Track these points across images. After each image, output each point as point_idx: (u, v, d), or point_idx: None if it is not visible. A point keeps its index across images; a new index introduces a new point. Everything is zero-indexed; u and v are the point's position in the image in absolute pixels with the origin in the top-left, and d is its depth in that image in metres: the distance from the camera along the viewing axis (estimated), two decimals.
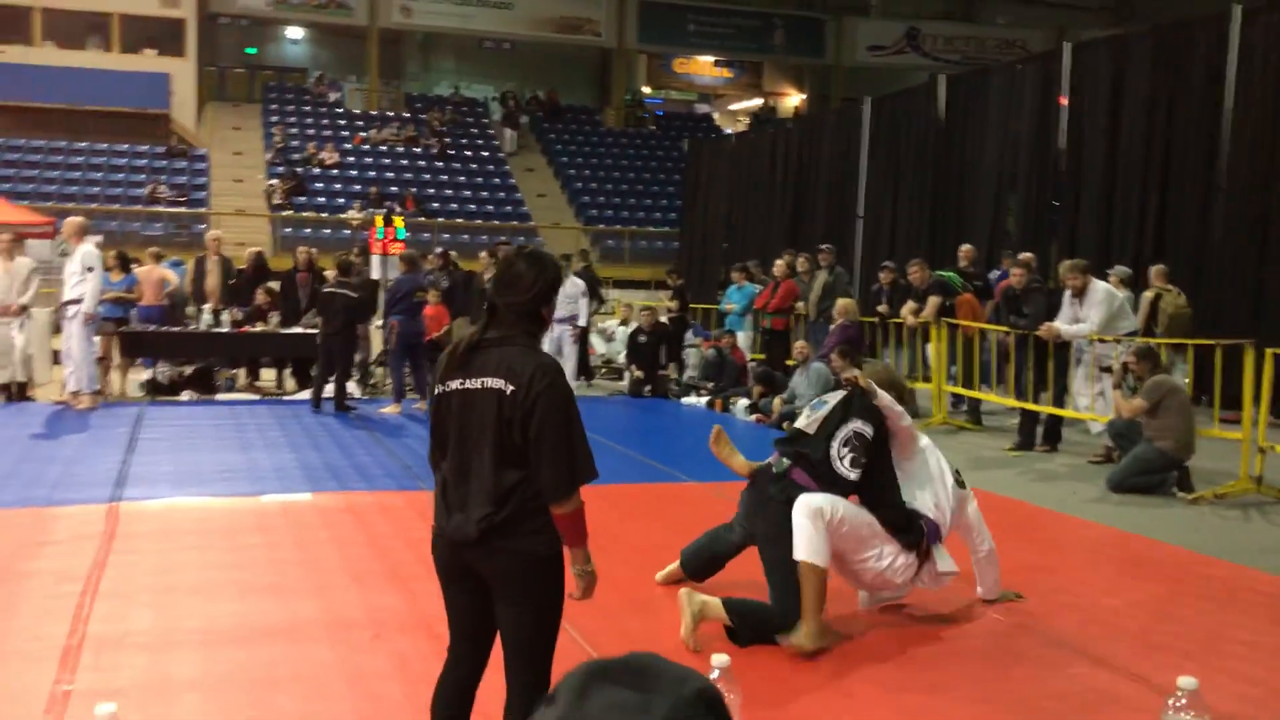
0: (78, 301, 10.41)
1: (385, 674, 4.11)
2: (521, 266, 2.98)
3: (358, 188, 26.00)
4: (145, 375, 12.26)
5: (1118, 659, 4.36)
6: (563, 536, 2.92)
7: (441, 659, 3.14)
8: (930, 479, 4.73)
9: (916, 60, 32.82)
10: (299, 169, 26.06)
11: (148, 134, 27.37)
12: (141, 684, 4.01)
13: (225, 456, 8.45)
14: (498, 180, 28.33)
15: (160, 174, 25.31)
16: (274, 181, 25.38)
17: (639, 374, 13.16)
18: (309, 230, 23.71)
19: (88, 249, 10.59)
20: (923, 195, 16.11)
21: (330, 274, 11.77)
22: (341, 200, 25.55)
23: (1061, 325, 9.10)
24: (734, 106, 37.48)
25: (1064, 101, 13.62)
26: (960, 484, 4.85)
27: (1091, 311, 8.95)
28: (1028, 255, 11.46)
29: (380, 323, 12.46)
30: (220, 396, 12.08)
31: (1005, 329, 10.03)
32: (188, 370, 12.26)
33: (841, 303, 11.56)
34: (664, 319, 14.05)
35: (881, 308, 11.89)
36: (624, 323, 15.67)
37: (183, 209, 24.21)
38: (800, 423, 4.72)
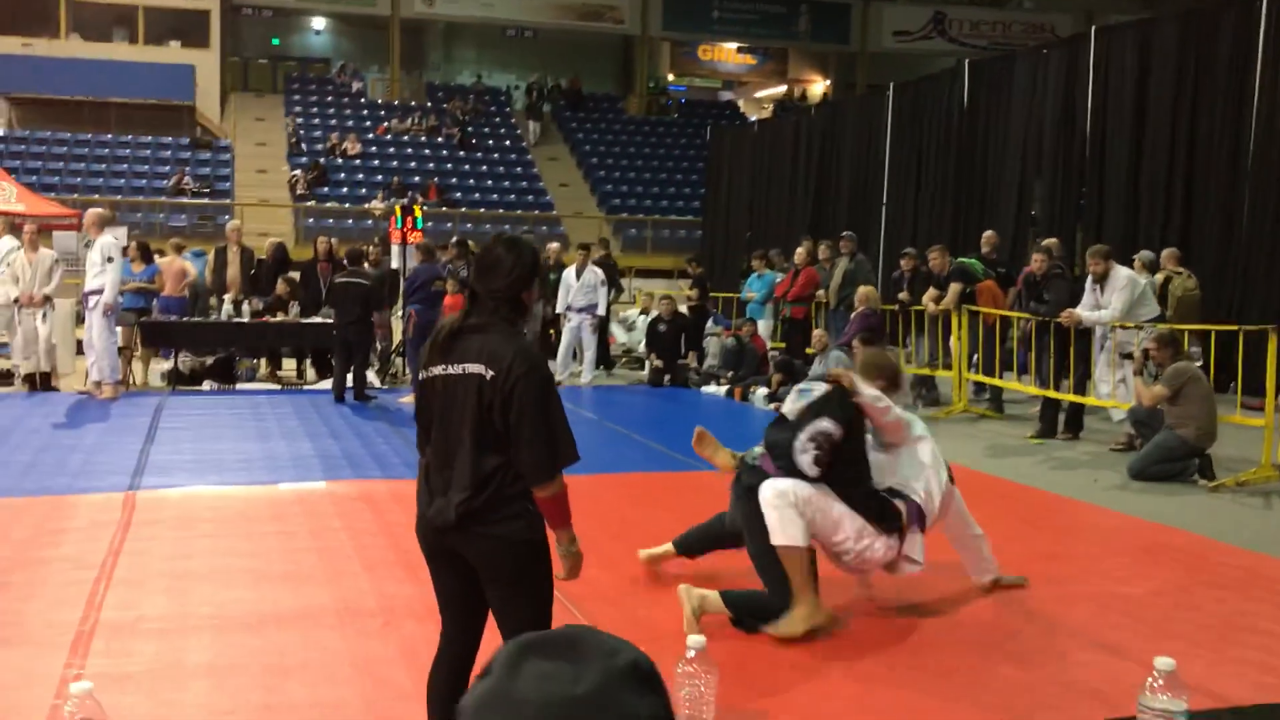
0: (99, 292, 10.49)
1: (393, 660, 4.12)
2: (500, 252, 3.01)
3: (380, 178, 26.09)
4: (167, 365, 12.35)
5: (1131, 648, 4.31)
6: (547, 519, 2.94)
7: None
8: (924, 466, 4.66)
9: (943, 45, 32.54)
10: (322, 159, 26.15)
11: (172, 126, 27.56)
12: (152, 669, 4.03)
13: (244, 445, 8.50)
14: (520, 169, 28.34)
15: (185, 165, 25.46)
16: (297, 172, 25.49)
17: (658, 363, 13.14)
18: (331, 220, 23.80)
19: (108, 240, 10.67)
20: (946, 182, 15.99)
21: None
22: (364, 190, 25.63)
23: (1083, 311, 9.01)
24: (759, 94, 37.31)
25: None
26: (950, 480, 4.79)
27: (1113, 298, 8.86)
28: (1052, 241, 11.38)
29: (401, 312, 12.50)
30: (241, 386, 12.16)
31: (1026, 316, 9.94)
32: (209, 360, 12.34)
33: (862, 290, 11.49)
34: (683, 308, 14.01)
35: (902, 295, 11.81)
36: (644, 312, 15.65)
37: (207, 200, 24.35)
38: (786, 408, 4.69)
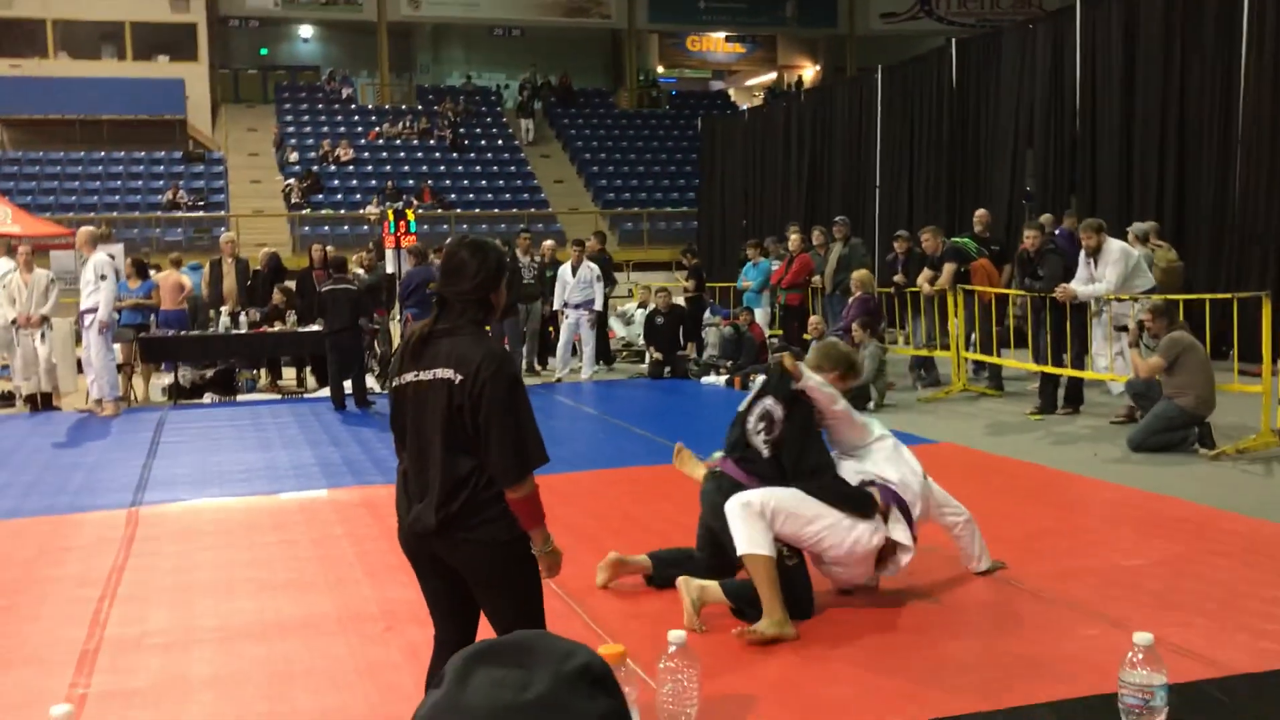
0: (94, 310, 10.52)
1: (397, 664, 4.13)
2: (464, 256, 3.02)
3: (374, 183, 26.11)
4: (167, 380, 12.38)
5: (1134, 619, 4.30)
6: (520, 520, 2.95)
7: None
8: (894, 460, 4.63)
9: (931, 25, 32.48)
10: (315, 167, 26.17)
11: (164, 140, 27.60)
12: (157, 684, 4.05)
13: (245, 456, 8.52)
14: (514, 168, 28.35)
15: (178, 179, 25.50)
16: (291, 181, 25.51)
17: (658, 355, 13.15)
18: (327, 228, 23.83)
19: (101, 258, 10.70)
20: (939, 162, 15.98)
21: (354, 270, 11.86)
22: (358, 196, 25.65)
23: (1078, 286, 9.00)
24: (749, 82, 37.27)
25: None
26: (924, 477, 4.76)
27: (1107, 270, 8.85)
28: (1046, 216, 11.37)
29: (398, 316, 12.52)
30: (242, 397, 12.19)
31: (1022, 293, 9.94)
32: (209, 373, 12.36)
33: (858, 275, 11.50)
34: (680, 299, 14.01)
35: (898, 277, 11.80)
36: (643, 305, 15.65)
37: (202, 213, 24.38)
38: (741, 406, 4.70)
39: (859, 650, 4.16)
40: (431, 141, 28.62)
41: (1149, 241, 10.49)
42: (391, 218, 13.90)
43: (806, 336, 10.83)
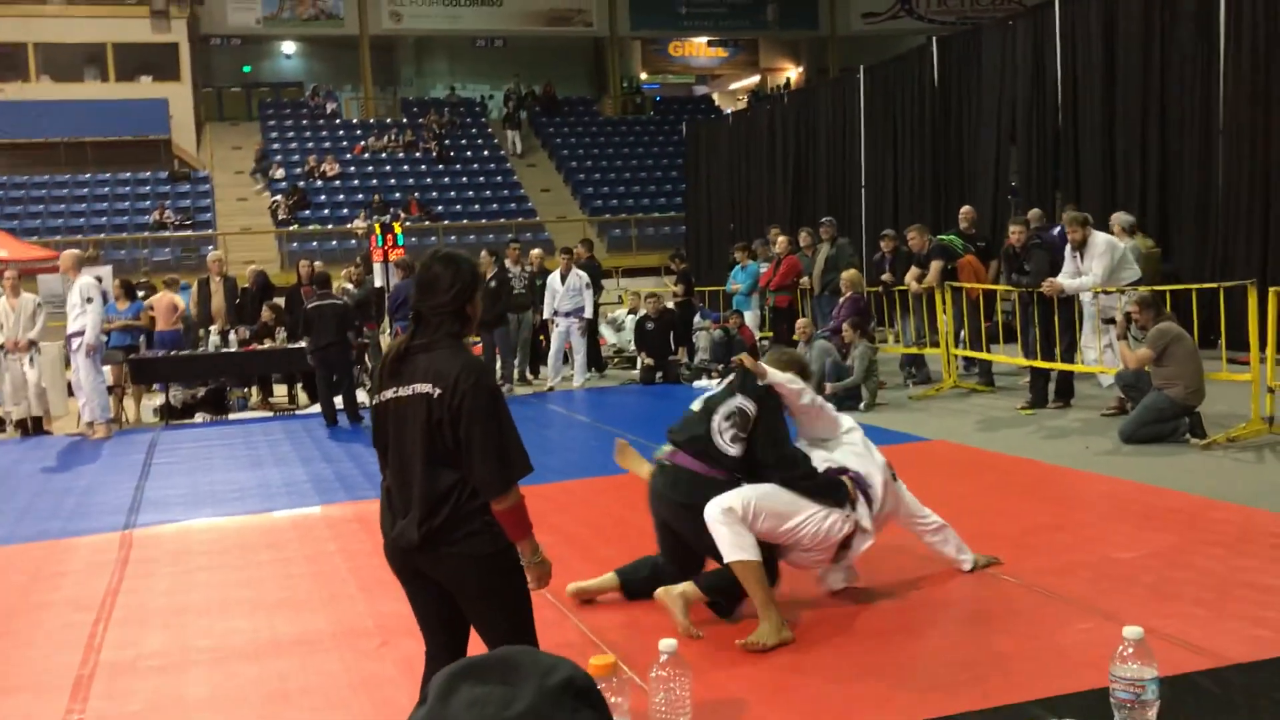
0: (81, 334, 10.49)
1: (392, 679, 4.12)
2: (438, 269, 3.02)
3: (361, 197, 26.10)
4: (159, 400, 12.35)
5: (1128, 612, 4.31)
6: (506, 532, 2.94)
7: None
8: (862, 455, 4.66)
9: (912, 24, 32.59)
10: (301, 183, 26.15)
11: (149, 161, 27.56)
12: (153, 707, 4.04)
13: (238, 475, 8.51)
14: (500, 178, 28.35)
15: (164, 199, 25.46)
16: (278, 197, 25.49)
17: (649, 361, 13.15)
18: (315, 243, 23.81)
19: (86, 281, 10.68)
20: (924, 160, 16.01)
21: (342, 285, 11.84)
22: (345, 211, 25.64)
23: (1064, 280, 9.02)
24: (733, 86, 37.34)
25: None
26: (894, 477, 4.76)
27: (1094, 264, 8.88)
28: (1035, 211, 11.39)
29: (389, 330, 12.52)
30: (233, 416, 12.16)
31: (1009, 288, 9.96)
32: (200, 392, 12.34)
33: (848, 275, 11.52)
34: (670, 304, 14.02)
35: (885, 276, 11.83)
36: (633, 311, 15.66)
37: (189, 232, 24.34)
38: (693, 406, 4.70)
39: (852, 650, 4.16)
40: (417, 154, 28.62)
41: (1134, 233, 10.53)
42: (379, 231, 13.91)
43: (796, 338, 10.83)
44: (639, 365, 13.55)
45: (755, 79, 36.64)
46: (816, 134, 18.82)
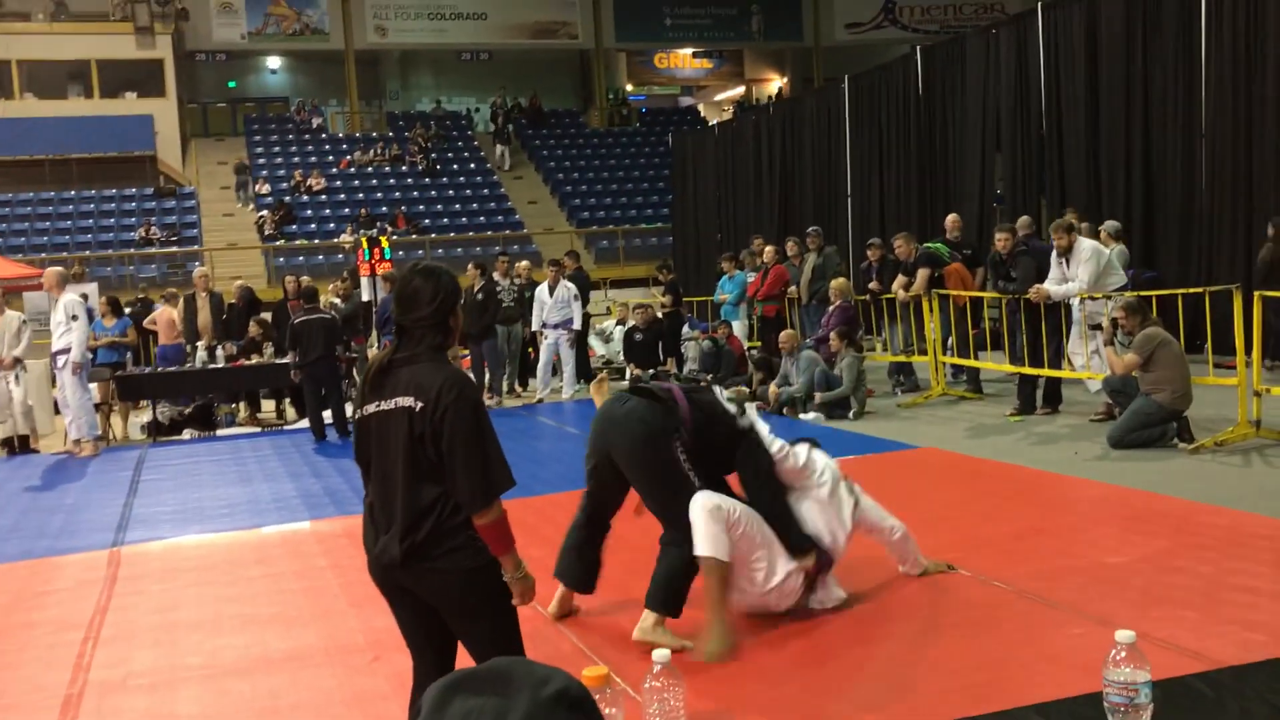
0: (66, 351, 10.44)
1: (385, 694, 4.10)
2: (418, 283, 3.00)
3: (347, 211, 26.07)
4: (146, 417, 12.30)
5: (1119, 616, 4.32)
6: (489, 546, 2.92)
7: None
8: (826, 509, 4.63)
9: (896, 34, 32.75)
10: (287, 198, 26.11)
11: (135, 177, 27.49)
12: None
13: (226, 491, 8.47)
14: (487, 191, 28.35)
15: (150, 215, 25.39)
16: (264, 213, 25.44)
17: (638, 372, 13.14)
18: (302, 258, 23.76)
19: (70, 298, 10.64)
20: (909, 169, 16.08)
21: (330, 299, 11.83)
22: (332, 225, 25.60)
23: (1051, 286, 9.05)
24: (718, 97, 37.45)
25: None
26: (850, 490, 4.77)
27: (1080, 270, 8.91)
28: (1023, 219, 11.42)
29: (377, 344, 12.50)
30: (221, 432, 12.11)
31: (996, 295, 9.99)
32: (188, 409, 12.29)
33: (837, 283, 11.55)
34: (659, 315, 14.01)
35: (873, 285, 11.86)
36: (621, 322, 15.66)
37: (175, 248, 24.28)
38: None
39: (844, 658, 4.16)
40: (404, 167, 28.61)
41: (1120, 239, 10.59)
42: (366, 245, 13.90)
43: (782, 347, 10.84)
44: (628, 376, 13.54)
45: (740, 90, 36.75)
46: (802, 144, 18.88)
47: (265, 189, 26.70)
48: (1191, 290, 8.96)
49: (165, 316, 13.01)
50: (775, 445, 4.58)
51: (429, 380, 2.90)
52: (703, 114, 35.20)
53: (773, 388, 10.71)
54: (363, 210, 25.37)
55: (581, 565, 4.79)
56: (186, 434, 11.99)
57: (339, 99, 31.59)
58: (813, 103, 19.27)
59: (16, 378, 10.89)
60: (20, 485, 9.38)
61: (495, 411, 11.09)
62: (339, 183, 27.61)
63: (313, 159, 28.47)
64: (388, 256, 13.92)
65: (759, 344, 13.25)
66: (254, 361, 12.23)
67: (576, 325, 13.14)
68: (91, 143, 27.31)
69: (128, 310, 13.71)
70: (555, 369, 13.27)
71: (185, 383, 12.15)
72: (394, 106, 32.83)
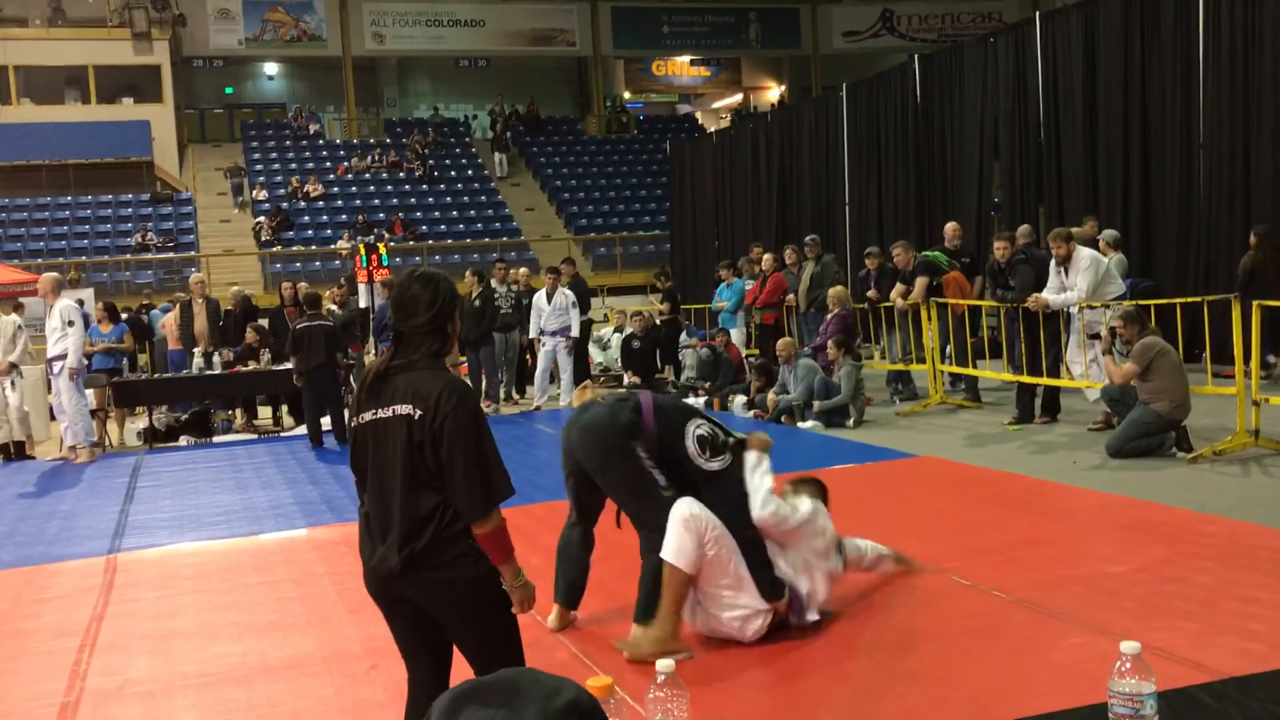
0: (63, 357, 10.42)
1: (382, 703, 4.08)
2: (416, 289, 2.97)
3: (344, 217, 26.06)
4: (142, 424, 12.27)
5: (1119, 626, 4.31)
6: (489, 555, 2.89)
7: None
8: (809, 564, 4.49)
9: (893, 42, 32.84)
10: (284, 204, 26.11)
11: (132, 182, 27.49)
12: None
13: (223, 498, 8.45)
14: (484, 197, 28.37)
15: (147, 221, 25.38)
16: (261, 219, 25.43)
17: (635, 379, 13.14)
18: (299, 264, 23.75)
19: (66, 304, 10.61)
20: (907, 177, 16.08)
21: (327, 306, 11.84)
22: (329, 231, 25.60)
23: (1049, 295, 9.06)
24: (716, 105, 37.50)
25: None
26: (840, 551, 4.66)
27: (1078, 278, 8.91)
28: (1024, 227, 11.44)
29: (374, 351, 12.49)
30: (218, 439, 12.09)
31: (995, 304, 9.99)
32: (184, 415, 12.27)
33: (835, 291, 11.55)
34: (656, 322, 14.02)
35: (871, 293, 11.87)
36: (619, 330, 15.66)
37: (172, 254, 24.26)
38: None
39: (847, 669, 4.14)
40: (401, 174, 28.62)
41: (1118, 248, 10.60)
42: (363, 252, 13.89)
43: (779, 355, 10.83)
44: (625, 384, 13.54)
45: (738, 97, 36.80)
46: (800, 152, 18.89)
47: (262, 195, 26.68)
48: (1190, 299, 8.97)
49: (174, 321, 13.09)
50: (771, 506, 4.37)
51: (428, 387, 2.86)
52: (700, 122, 35.25)
53: (771, 395, 10.71)
54: (360, 217, 25.36)
55: (566, 581, 4.79)
56: (183, 440, 11.97)
57: (336, 105, 31.60)
58: (810, 111, 19.28)
59: (12, 383, 10.87)
60: (16, 491, 9.35)
61: (492, 419, 11.08)
62: (336, 189, 27.61)
63: (310, 165, 28.48)
64: (385, 263, 13.91)
65: (757, 351, 13.25)
66: (251, 368, 12.21)
67: (574, 332, 13.13)
68: (88, 148, 27.31)
69: (124, 316, 13.69)
70: (553, 376, 13.26)
71: (182, 389, 12.13)
72: (391, 113, 32.85)
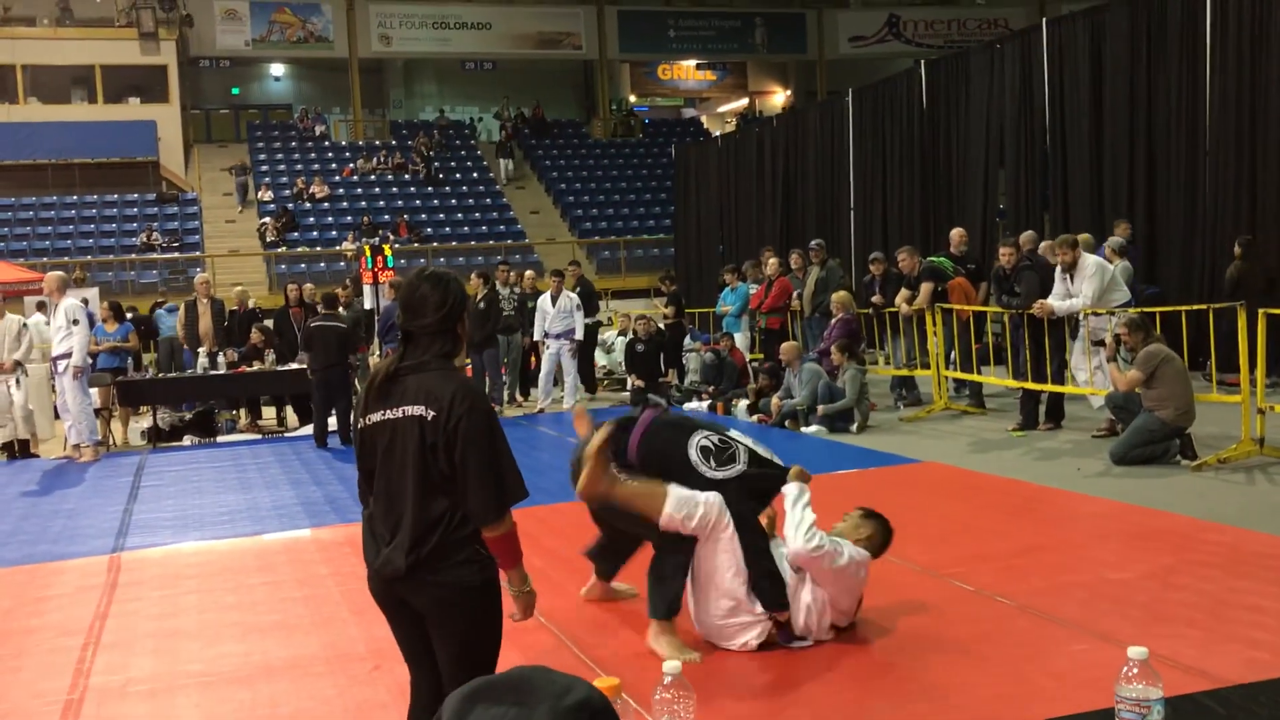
0: (67, 356, 10.43)
1: (385, 704, 4.08)
2: (426, 289, 2.93)
3: (350, 219, 26.08)
4: (146, 423, 12.28)
5: (1123, 633, 4.30)
6: (498, 559, 2.87)
7: None
8: (819, 598, 4.38)
9: (900, 48, 32.84)
10: (289, 205, 26.13)
11: (138, 182, 27.53)
12: None
13: (227, 498, 8.45)
14: (489, 200, 28.38)
15: (152, 221, 25.41)
16: (266, 220, 25.46)
17: (639, 383, 13.14)
18: (304, 265, 23.76)
19: (71, 303, 10.63)
20: (913, 182, 16.08)
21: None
22: (334, 233, 25.61)
23: (1055, 301, 9.05)
24: (721, 109, 37.50)
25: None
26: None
27: (1084, 285, 8.91)
28: (1028, 234, 11.43)
29: (379, 352, 12.50)
30: (222, 439, 12.10)
31: (1000, 310, 9.99)
32: (188, 415, 12.28)
33: (839, 296, 11.54)
34: (660, 326, 14.02)
35: (876, 298, 11.86)
36: (623, 333, 15.65)
37: (177, 254, 24.29)
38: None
39: (850, 674, 4.14)
40: (406, 176, 28.63)
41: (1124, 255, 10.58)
42: (368, 253, 13.91)
43: (784, 359, 10.83)
44: (629, 387, 13.54)
45: (744, 102, 36.80)
46: (805, 156, 18.89)
47: (268, 196, 26.71)
48: (1195, 307, 8.96)
49: (180, 322, 13.13)
50: (816, 540, 4.22)
51: (440, 389, 2.82)
52: (706, 126, 35.24)
53: (775, 400, 10.71)
54: (365, 218, 25.37)
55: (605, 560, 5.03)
56: (187, 440, 11.97)
57: (342, 107, 31.63)
58: (816, 116, 19.28)
59: (17, 382, 10.88)
60: (20, 490, 9.36)
61: None
62: (341, 190, 27.64)
63: (315, 166, 28.50)
64: (390, 265, 13.93)
65: (761, 356, 13.25)
66: (255, 368, 12.22)
67: (578, 335, 13.14)
68: (94, 148, 27.35)
69: (129, 316, 13.70)
70: (557, 379, 13.27)
71: (186, 389, 12.14)
72: (397, 115, 32.88)
